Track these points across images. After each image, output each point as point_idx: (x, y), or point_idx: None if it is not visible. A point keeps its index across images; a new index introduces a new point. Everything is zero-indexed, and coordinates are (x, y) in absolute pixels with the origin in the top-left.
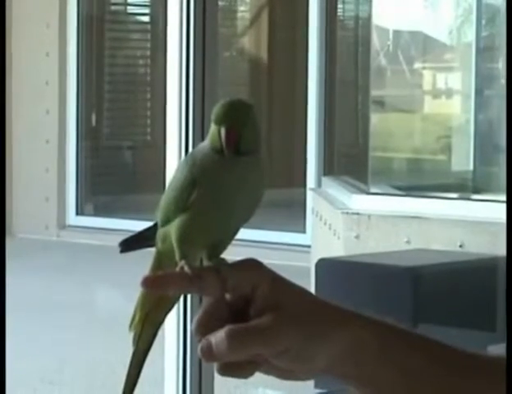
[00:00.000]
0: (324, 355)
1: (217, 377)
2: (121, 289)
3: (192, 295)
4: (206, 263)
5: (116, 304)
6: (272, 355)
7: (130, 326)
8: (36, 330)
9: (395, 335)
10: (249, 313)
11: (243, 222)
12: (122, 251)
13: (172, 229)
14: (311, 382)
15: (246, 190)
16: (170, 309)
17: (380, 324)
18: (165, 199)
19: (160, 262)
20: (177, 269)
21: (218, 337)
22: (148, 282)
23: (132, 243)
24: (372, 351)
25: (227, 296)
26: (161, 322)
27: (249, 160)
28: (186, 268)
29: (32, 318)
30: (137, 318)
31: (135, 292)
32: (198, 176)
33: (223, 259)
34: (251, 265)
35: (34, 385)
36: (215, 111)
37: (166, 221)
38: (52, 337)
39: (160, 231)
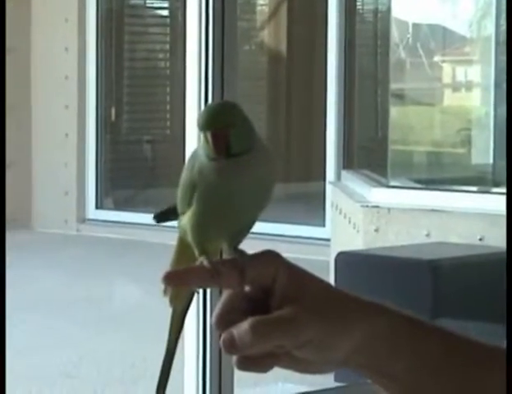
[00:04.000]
0: (344, 346)
1: (237, 373)
2: (140, 283)
3: (211, 290)
4: (226, 254)
5: (135, 298)
6: (294, 347)
7: (165, 291)
8: (55, 324)
9: (412, 326)
10: (268, 305)
11: (257, 212)
12: (158, 222)
13: (186, 223)
14: (331, 376)
15: (248, 187)
16: None
17: (397, 315)
18: (178, 192)
19: (183, 248)
20: (197, 264)
21: (241, 329)
22: (169, 278)
23: (167, 214)
24: (389, 342)
25: (246, 289)
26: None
27: (244, 159)
28: (206, 263)
29: (51, 312)
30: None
31: (155, 287)
32: (197, 179)
33: (242, 251)
34: (270, 257)
35: (52, 378)
36: (199, 117)
37: (182, 212)
38: (71, 331)
39: (179, 221)
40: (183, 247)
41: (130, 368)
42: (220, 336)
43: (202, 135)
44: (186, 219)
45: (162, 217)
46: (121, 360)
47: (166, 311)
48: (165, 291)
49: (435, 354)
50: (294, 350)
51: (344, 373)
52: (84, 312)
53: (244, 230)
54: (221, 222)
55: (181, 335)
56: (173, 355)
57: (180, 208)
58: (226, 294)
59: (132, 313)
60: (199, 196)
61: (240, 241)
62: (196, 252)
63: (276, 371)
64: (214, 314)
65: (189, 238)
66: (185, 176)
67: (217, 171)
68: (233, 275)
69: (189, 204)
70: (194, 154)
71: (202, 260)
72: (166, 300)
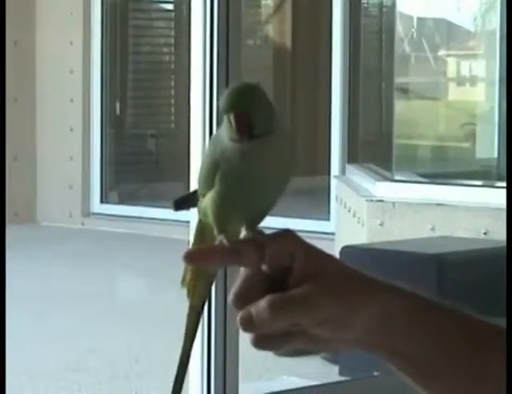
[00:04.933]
0: (359, 324)
1: (241, 367)
2: (145, 277)
3: (216, 282)
4: (244, 234)
5: (140, 292)
6: (311, 325)
7: (182, 282)
8: (60, 318)
9: (426, 306)
10: (286, 284)
11: (277, 195)
12: (176, 209)
13: (207, 204)
14: (336, 370)
15: (269, 169)
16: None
17: (411, 295)
18: (199, 174)
19: (203, 231)
20: (216, 243)
21: (259, 306)
22: (189, 256)
23: (185, 202)
24: (403, 321)
25: (264, 268)
26: (213, 275)
27: (265, 141)
28: (225, 241)
29: (56, 306)
30: (188, 273)
31: (159, 281)
32: (219, 161)
33: (261, 231)
34: (288, 236)
35: (58, 373)
36: (222, 100)
37: (203, 194)
38: (76, 325)
39: (200, 204)
40: (202, 230)
41: (135, 362)
42: (237, 314)
43: (225, 118)
44: (207, 200)
45: (180, 204)
46: (126, 355)
47: (170, 305)
48: (183, 282)
49: (449, 334)
50: (311, 329)
51: (349, 367)
52: (89, 306)
53: (264, 212)
54: (241, 203)
55: (196, 335)
56: (189, 356)
57: (201, 190)
58: (244, 273)
59: (136, 307)
60: (222, 177)
61: (258, 223)
62: (215, 231)
63: (281, 364)
64: (232, 293)
65: (210, 218)
66: (207, 157)
67: (239, 153)
68: (252, 253)
69: (210, 186)
70: (216, 137)
71: (221, 239)
72: (172, 295)
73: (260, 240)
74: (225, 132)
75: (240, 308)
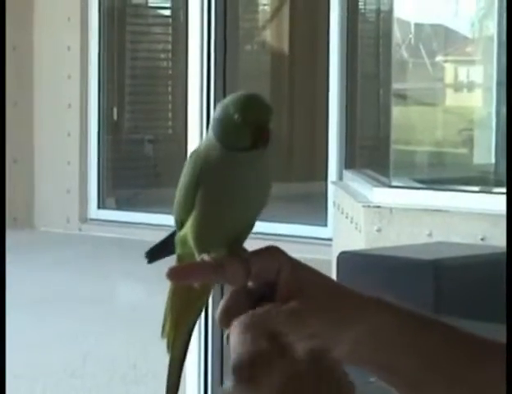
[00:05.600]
0: (346, 340)
1: None
2: (143, 282)
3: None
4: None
5: (137, 297)
6: (298, 341)
7: (162, 333)
8: (58, 323)
9: (413, 320)
10: (272, 300)
11: (260, 210)
12: (150, 262)
13: (188, 231)
14: None
15: (258, 183)
16: (200, 311)
17: (399, 310)
18: (176, 200)
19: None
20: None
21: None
22: (173, 273)
23: (158, 251)
24: (390, 336)
25: (250, 284)
26: (192, 326)
27: (259, 153)
28: (208, 258)
29: (54, 312)
30: (168, 324)
31: (157, 286)
32: (202, 175)
33: (244, 248)
34: (272, 251)
35: (56, 377)
36: (244, 108)
37: (182, 221)
38: (74, 330)
39: (178, 236)
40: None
41: (132, 367)
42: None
43: (236, 125)
44: (188, 226)
45: (154, 254)
46: (124, 360)
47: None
48: (162, 333)
49: (436, 348)
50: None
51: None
52: (86, 311)
53: (248, 230)
54: (226, 222)
55: (181, 381)
56: None
57: (180, 216)
58: (229, 291)
59: (134, 312)
60: (205, 193)
61: (242, 243)
62: (197, 255)
63: None
64: (218, 311)
65: (191, 243)
66: (187, 177)
67: (236, 162)
68: (237, 269)
69: (190, 209)
70: (198, 154)
71: (203, 256)
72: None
73: (245, 256)
74: (216, 142)
75: (226, 326)
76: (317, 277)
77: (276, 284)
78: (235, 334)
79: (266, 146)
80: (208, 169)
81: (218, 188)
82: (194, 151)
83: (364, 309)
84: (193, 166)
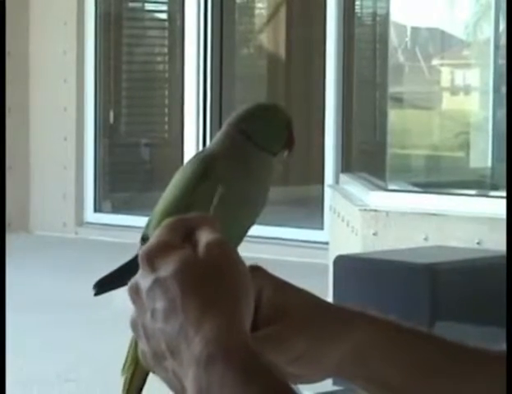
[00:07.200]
0: (334, 357)
1: None
2: None
3: None
4: None
5: None
6: (284, 363)
7: (123, 370)
8: (53, 327)
9: (400, 333)
10: (255, 320)
11: (258, 216)
12: (97, 294)
13: None
14: (329, 379)
15: (266, 184)
16: None
17: (385, 322)
18: (166, 199)
19: None
20: None
21: None
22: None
23: (108, 283)
24: (377, 351)
25: None
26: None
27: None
28: None
29: (49, 316)
30: (128, 362)
31: None
32: (221, 172)
33: None
34: (255, 271)
35: (50, 382)
36: (283, 112)
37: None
38: (68, 335)
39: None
40: None
41: None
42: None
43: (275, 129)
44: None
45: (103, 286)
46: (118, 364)
47: None
48: (123, 369)
49: (425, 360)
50: (284, 366)
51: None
52: (82, 315)
53: (244, 236)
54: (242, 221)
55: None
56: None
57: (167, 212)
58: None
59: (129, 317)
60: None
61: (236, 247)
62: None
63: None
64: None
65: None
66: (191, 174)
67: (267, 163)
68: None
69: (186, 206)
70: (204, 156)
71: None
72: None
73: None
74: (247, 143)
75: None
76: (300, 296)
77: (259, 304)
78: None
79: (293, 148)
80: (232, 166)
81: (241, 185)
82: (202, 151)
83: (349, 325)
84: (203, 164)
